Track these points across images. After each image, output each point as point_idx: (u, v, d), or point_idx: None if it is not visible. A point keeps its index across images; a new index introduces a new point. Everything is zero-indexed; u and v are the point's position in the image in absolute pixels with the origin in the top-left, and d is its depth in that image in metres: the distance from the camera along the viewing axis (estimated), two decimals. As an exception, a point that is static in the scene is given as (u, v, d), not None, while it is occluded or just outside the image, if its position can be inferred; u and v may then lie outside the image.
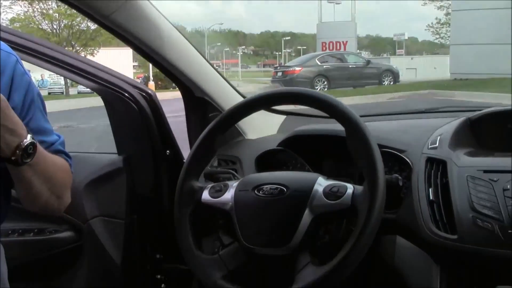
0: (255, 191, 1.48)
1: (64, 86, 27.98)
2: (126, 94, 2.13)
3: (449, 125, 1.80)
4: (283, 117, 2.45)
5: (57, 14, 27.33)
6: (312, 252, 1.42)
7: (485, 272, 1.48)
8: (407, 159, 1.72)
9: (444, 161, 1.61)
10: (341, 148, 1.60)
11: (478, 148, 1.74)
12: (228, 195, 1.52)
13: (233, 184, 1.55)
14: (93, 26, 27.13)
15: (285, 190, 1.45)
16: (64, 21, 27.81)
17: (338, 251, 1.34)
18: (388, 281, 1.78)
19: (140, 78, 28.53)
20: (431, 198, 1.55)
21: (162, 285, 2.36)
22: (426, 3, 37.24)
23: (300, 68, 20.54)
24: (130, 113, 2.16)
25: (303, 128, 2.08)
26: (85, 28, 28.04)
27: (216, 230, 1.72)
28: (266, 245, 1.43)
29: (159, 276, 2.37)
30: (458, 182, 1.52)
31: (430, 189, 1.57)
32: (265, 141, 2.18)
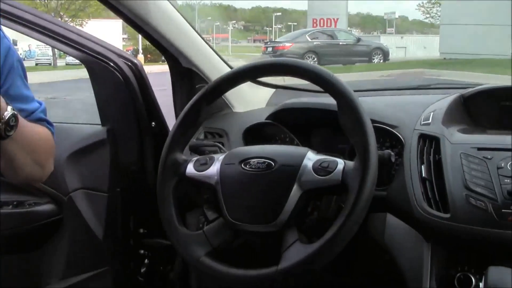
0: (242, 165, 1.43)
1: (51, 57, 27.61)
2: (112, 64, 2.07)
3: (442, 101, 1.76)
4: (272, 90, 2.38)
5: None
6: (300, 229, 1.38)
7: (478, 251, 1.44)
8: (399, 135, 1.68)
9: (437, 137, 1.57)
10: (331, 123, 1.55)
11: (471, 125, 1.71)
12: (214, 168, 1.47)
13: (219, 158, 1.49)
14: (82, -3, 26.83)
15: (273, 164, 1.40)
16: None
17: (327, 229, 1.29)
18: (377, 260, 1.74)
19: (130, 51, 28.42)
20: (423, 175, 1.51)
21: (145, 261, 2.31)
22: (417, -17, 37.07)
23: (290, 44, 20.42)
24: (114, 83, 2.10)
25: (293, 101, 2.02)
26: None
27: (201, 205, 1.66)
28: (252, 221, 1.38)
29: (142, 251, 2.32)
30: (451, 159, 1.48)
31: (422, 166, 1.53)
32: (254, 114, 2.12)
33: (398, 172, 1.61)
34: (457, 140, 1.54)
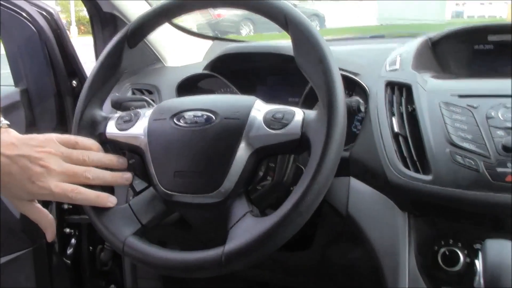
0: (174, 120, 1.14)
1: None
2: (24, 14, 1.82)
3: (408, 44, 1.52)
4: (210, 42, 2.15)
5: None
6: (250, 199, 1.10)
7: (467, 221, 1.20)
8: (362, 83, 1.43)
9: (408, 84, 1.32)
10: (280, 71, 1.37)
11: (440, 73, 1.48)
12: (140, 126, 1.18)
13: (146, 113, 1.20)
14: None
15: (213, 117, 1.11)
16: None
17: (285, 197, 1.00)
18: (340, 235, 1.49)
19: (63, 24, 27.98)
20: (395, 130, 1.26)
21: (72, 240, 2.04)
22: None
23: (226, 13, 20.14)
24: (27, 36, 1.84)
25: (234, 45, 1.74)
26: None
27: None
28: (189, 190, 1.10)
29: (67, 230, 2.06)
30: (429, 110, 1.23)
31: (393, 119, 1.28)
32: (189, 68, 1.84)
33: (363, 127, 1.36)
34: (433, 87, 1.30)
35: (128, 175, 1.17)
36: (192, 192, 1.09)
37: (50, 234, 1.17)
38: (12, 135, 1.09)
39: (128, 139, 1.19)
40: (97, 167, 1.13)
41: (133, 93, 1.77)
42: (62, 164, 1.08)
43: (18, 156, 1.05)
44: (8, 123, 1.11)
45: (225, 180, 1.06)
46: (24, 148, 1.06)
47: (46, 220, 1.15)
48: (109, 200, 1.13)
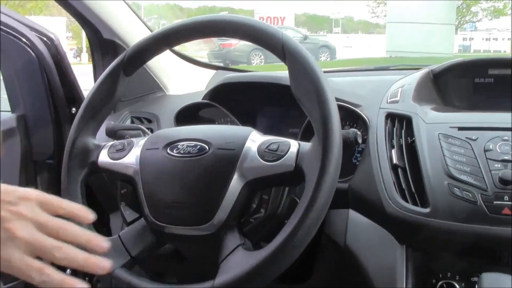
0: (168, 150, 1.12)
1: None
2: (23, 39, 1.78)
3: (410, 77, 1.51)
4: (212, 72, 2.13)
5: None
6: (243, 231, 1.08)
7: (464, 254, 1.18)
8: (363, 115, 1.41)
9: (408, 116, 1.31)
10: (280, 101, 1.35)
11: (441, 105, 1.47)
12: (133, 155, 1.16)
13: (140, 142, 1.18)
14: (22, -9, 26.27)
15: (207, 148, 1.09)
16: (-10, -15, 26.80)
17: (278, 230, 0.99)
18: (338, 267, 1.46)
19: (73, 50, 28.06)
20: (394, 161, 1.24)
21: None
22: (364, -19, 37.46)
23: (236, 42, 20.24)
24: (26, 62, 1.80)
25: (234, 75, 1.73)
26: (13, -7, 27.13)
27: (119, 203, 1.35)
28: (181, 222, 1.08)
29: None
30: (428, 142, 1.23)
31: (392, 151, 1.27)
32: (190, 96, 1.83)
33: (363, 159, 1.34)
34: (433, 119, 1.29)
35: (105, 265, 0.90)
36: (184, 224, 1.07)
37: None
38: None
39: (120, 168, 1.17)
40: (72, 243, 0.91)
41: (132, 122, 1.76)
42: (31, 233, 0.86)
43: None
44: None
45: (217, 212, 1.04)
46: None
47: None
48: (78, 285, 0.88)
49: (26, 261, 0.84)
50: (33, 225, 0.86)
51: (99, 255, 0.90)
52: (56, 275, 0.86)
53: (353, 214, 1.34)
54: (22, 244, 0.84)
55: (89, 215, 0.94)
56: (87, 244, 0.91)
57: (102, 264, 0.89)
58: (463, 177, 1.13)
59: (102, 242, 0.92)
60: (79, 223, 0.92)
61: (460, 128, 1.23)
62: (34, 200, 0.89)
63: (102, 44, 1.85)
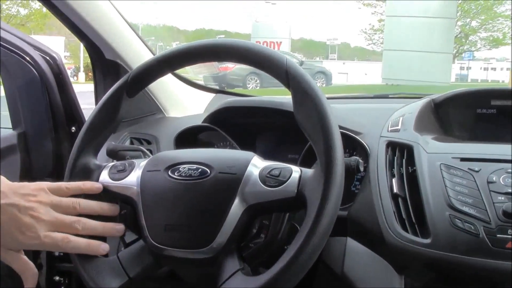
0: (169, 172, 1.10)
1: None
2: (27, 57, 1.78)
3: (411, 106, 1.50)
4: (212, 95, 2.12)
5: (-16, -4, 26.41)
6: (242, 256, 1.06)
7: (465, 286, 1.17)
8: (363, 143, 1.40)
9: (409, 145, 1.30)
10: (280, 127, 1.35)
11: (442, 135, 1.46)
12: (133, 176, 1.15)
13: (141, 164, 1.17)
14: (23, 11, 26.33)
15: (208, 171, 1.08)
16: (-9, 3, 26.93)
17: (278, 256, 0.97)
18: None
19: (71, 69, 28.18)
20: (394, 191, 1.23)
21: None
22: (360, 8, 37.71)
23: (233, 65, 20.28)
24: (28, 80, 1.80)
25: (235, 99, 1.72)
26: (15, 13, 27.22)
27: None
28: (180, 245, 1.06)
29: (57, 278, 1.96)
30: (429, 172, 1.21)
31: (393, 180, 1.26)
32: (189, 119, 1.82)
33: (363, 187, 1.33)
34: (435, 149, 1.28)
35: (120, 226, 1.12)
36: (183, 247, 1.06)
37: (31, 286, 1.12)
38: (2, 183, 1.05)
39: (120, 189, 1.15)
40: (88, 215, 1.10)
41: (132, 143, 1.75)
42: (51, 214, 1.04)
43: (8, 205, 1.01)
44: None
45: (217, 236, 1.03)
46: (14, 197, 1.02)
47: (30, 272, 1.10)
48: (101, 247, 1.08)
49: (52, 236, 1.02)
50: (51, 207, 1.05)
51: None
52: (81, 240, 1.06)
53: (351, 243, 1.33)
54: (46, 224, 1.03)
55: (95, 185, 1.14)
56: (101, 211, 1.12)
57: (118, 227, 1.12)
58: (465, 209, 1.12)
59: (113, 206, 1.14)
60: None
61: (463, 159, 1.22)
62: (46, 188, 1.08)
63: (104, 64, 1.85)
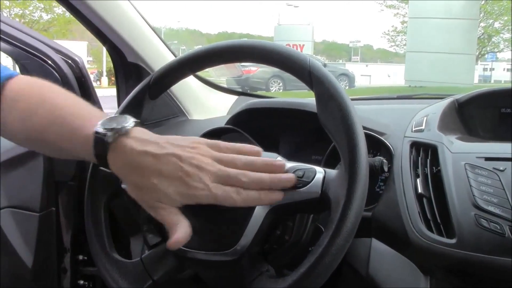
0: None
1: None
2: (49, 61, 1.78)
3: (435, 106, 1.50)
4: (234, 97, 2.13)
5: (8, 1, 26.66)
6: (266, 258, 1.07)
7: (491, 286, 1.16)
8: (387, 143, 1.39)
9: (434, 145, 1.29)
10: (304, 128, 1.35)
11: (466, 135, 1.45)
12: None
13: None
14: (46, 16, 26.59)
15: None
16: (15, 9, 27.21)
17: (303, 258, 0.96)
18: None
19: (93, 74, 28.44)
20: (419, 191, 1.22)
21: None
22: (382, 10, 37.63)
23: (256, 68, 20.35)
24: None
25: (258, 100, 1.72)
26: (37, 18, 27.52)
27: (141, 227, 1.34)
28: (203, 247, 1.05)
29: (81, 282, 1.97)
30: (454, 172, 1.20)
31: (418, 180, 1.24)
32: (212, 121, 1.82)
33: (387, 187, 1.32)
34: (459, 149, 1.27)
35: (290, 176, 0.99)
36: (207, 249, 1.05)
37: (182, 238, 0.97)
38: (149, 133, 1.01)
39: None
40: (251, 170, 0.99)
41: (154, 146, 1.75)
42: (215, 165, 0.96)
43: (167, 155, 0.95)
44: (139, 121, 1.02)
45: (240, 238, 1.02)
46: (172, 147, 0.96)
47: (185, 229, 0.98)
48: (275, 195, 0.98)
49: (222, 187, 0.94)
50: (213, 160, 0.96)
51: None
52: (252, 192, 0.96)
53: (376, 243, 1.32)
54: (210, 175, 0.94)
55: (254, 148, 1.03)
56: (264, 168, 0.98)
57: (287, 177, 0.98)
58: (491, 208, 1.11)
59: (277, 161, 1.00)
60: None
61: (487, 159, 1.21)
62: (204, 143, 1.00)
63: (126, 67, 1.85)
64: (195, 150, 0.96)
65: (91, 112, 1.05)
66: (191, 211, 1.06)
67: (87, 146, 0.98)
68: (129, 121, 0.99)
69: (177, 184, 0.94)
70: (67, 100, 1.09)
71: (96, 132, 0.97)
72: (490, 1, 31.11)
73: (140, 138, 0.98)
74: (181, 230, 0.96)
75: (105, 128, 0.97)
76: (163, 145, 0.96)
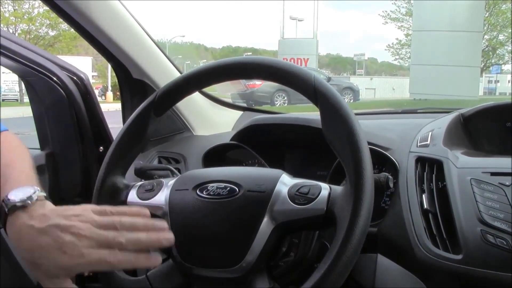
0: (197, 191, 1.10)
1: (18, 93, 27.39)
2: (54, 78, 1.78)
3: (440, 120, 1.49)
4: (239, 113, 2.12)
5: (14, 18, 26.77)
6: (272, 275, 1.05)
7: None
8: (393, 159, 1.39)
9: (439, 160, 1.29)
10: (308, 144, 1.34)
11: (471, 149, 1.44)
12: (162, 196, 1.14)
13: (169, 183, 1.17)
14: (52, 32, 26.69)
15: (237, 190, 1.07)
16: (21, 25, 27.31)
17: (308, 274, 0.96)
18: None
19: (99, 89, 28.49)
20: (425, 206, 1.22)
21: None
22: (386, 22, 37.61)
23: (260, 82, 20.32)
24: (56, 100, 1.81)
25: (262, 116, 1.72)
26: (43, 34, 27.62)
27: None
28: (209, 264, 1.05)
29: None
30: (460, 187, 1.20)
31: (423, 195, 1.24)
32: (217, 137, 1.82)
33: (392, 203, 1.32)
34: (465, 164, 1.27)
35: (168, 235, 1.00)
36: (212, 266, 1.05)
37: None
38: (46, 207, 1.02)
39: (149, 208, 1.14)
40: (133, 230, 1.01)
41: (160, 162, 1.75)
42: (93, 231, 0.96)
43: (49, 227, 0.96)
44: (45, 194, 1.04)
45: (246, 254, 1.02)
46: (56, 218, 0.97)
47: None
48: (152, 258, 0.98)
49: (97, 251, 0.93)
50: (93, 225, 0.96)
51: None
52: (129, 254, 0.96)
53: (382, 259, 1.31)
54: (88, 241, 0.94)
55: (142, 210, 1.03)
56: (145, 228, 0.99)
57: (165, 237, 0.99)
58: (497, 224, 1.11)
59: (159, 221, 1.01)
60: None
61: (493, 174, 1.20)
62: (90, 209, 1.00)
63: (131, 84, 1.85)
64: (77, 218, 0.97)
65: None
66: (196, 228, 1.06)
67: None
68: (33, 194, 1.02)
69: (56, 256, 0.94)
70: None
71: (4, 200, 1.00)
72: (494, 13, 31.12)
73: (33, 212, 0.99)
74: None
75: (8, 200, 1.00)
76: (49, 217, 0.98)
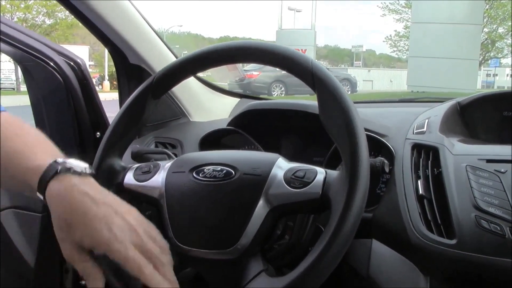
0: (193, 174, 1.10)
1: (15, 82, 27.33)
2: (51, 63, 1.78)
3: (437, 108, 1.50)
4: (236, 100, 2.13)
5: (10, 6, 26.68)
6: (266, 257, 1.06)
7: (491, 287, 1.16)
8: (388, 145, 1.40)
9: (435, 147, 1.30)
10: (305, 129, 1.34)
11: (468, 137, 1.45)
12: (158, 178, 1.15)
13: (166, 165, 1.17)
14: (48, 21, 26.61)
15: (233, 173, 1.08)
16: (18, 13, 27.22)
17: (302, 257, 0.97)
18: None
19: (96, 78, 28.49)
20: (420, 192, 1.23)
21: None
22: (385, 15, 37.60)
23: (258, 73, 20.36)
24: (53, 85, 1.80)
25: (259, 102, 1.72)
26: (40, 23, 27.53)
27: None
28: (204, 246, 1.06)
29: (83, 282, 1.96)
30: (455, 173, 1.21)
31: (419, 182, 1.25)
32: (214, 123, 1.82)
33: (388, 189, 1.32)
34: (460, 151, 1.27)
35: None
36: (207, 248, 1.06)
37: None
38: (98, 185, 1.01)
39: (145, 190, 1.16)
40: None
41: (156, 147, 1.75)
42: (144, 232, 0.96)
43: (106, 203, 0.95)
44: (93, 172, 1.03)
45: (241, 237, 1.02)
46: (111, 198, 0.97)
47: (98, 281, 0.97)
48: None
49: (137, 253, 0.92)
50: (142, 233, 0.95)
51: None
52: (159, 276, 0.93)
53: (377, 244, 1.32)
54: (135, 238, 0.93)
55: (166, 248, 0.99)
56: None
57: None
58: (491, 210, 1.11)
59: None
60: None
61: (489, 161, 1.21)
62: (135, 212, 0.99)
63: (128, 69, 1.85)
64: (129, 214, 0.97)
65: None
66: (192, 209, 1.07)
67: (36, 171, 0.98)
68: (86, 167, 1.01)
69: (99, 228, 0.92)
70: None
71: (53, 163, 0.98)
72: (494, 6, 31.08)
73: (88, 182, 0.99)
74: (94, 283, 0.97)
75: (59, 162, 0.98)
76: (107, 194, 0.98)
